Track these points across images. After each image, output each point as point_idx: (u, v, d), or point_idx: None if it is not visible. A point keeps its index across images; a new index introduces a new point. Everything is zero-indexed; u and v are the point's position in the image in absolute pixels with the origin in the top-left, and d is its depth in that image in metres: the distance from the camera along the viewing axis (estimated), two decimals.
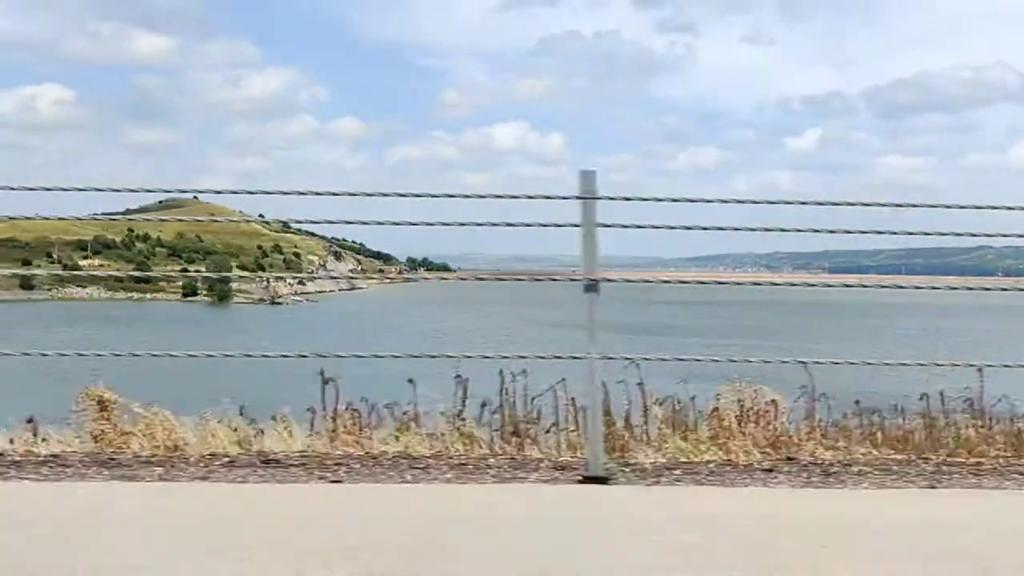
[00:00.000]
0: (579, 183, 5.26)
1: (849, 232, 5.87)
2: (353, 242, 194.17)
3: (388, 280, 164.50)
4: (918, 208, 6.18)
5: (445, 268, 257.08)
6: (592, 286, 5.26)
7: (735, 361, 6.30)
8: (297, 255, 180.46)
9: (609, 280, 5.80)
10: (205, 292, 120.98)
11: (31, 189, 5.73)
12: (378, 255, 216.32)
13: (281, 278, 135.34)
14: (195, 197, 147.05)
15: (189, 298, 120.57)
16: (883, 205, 5.95)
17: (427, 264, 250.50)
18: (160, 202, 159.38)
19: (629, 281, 6.89)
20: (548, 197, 5.77)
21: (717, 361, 6.32)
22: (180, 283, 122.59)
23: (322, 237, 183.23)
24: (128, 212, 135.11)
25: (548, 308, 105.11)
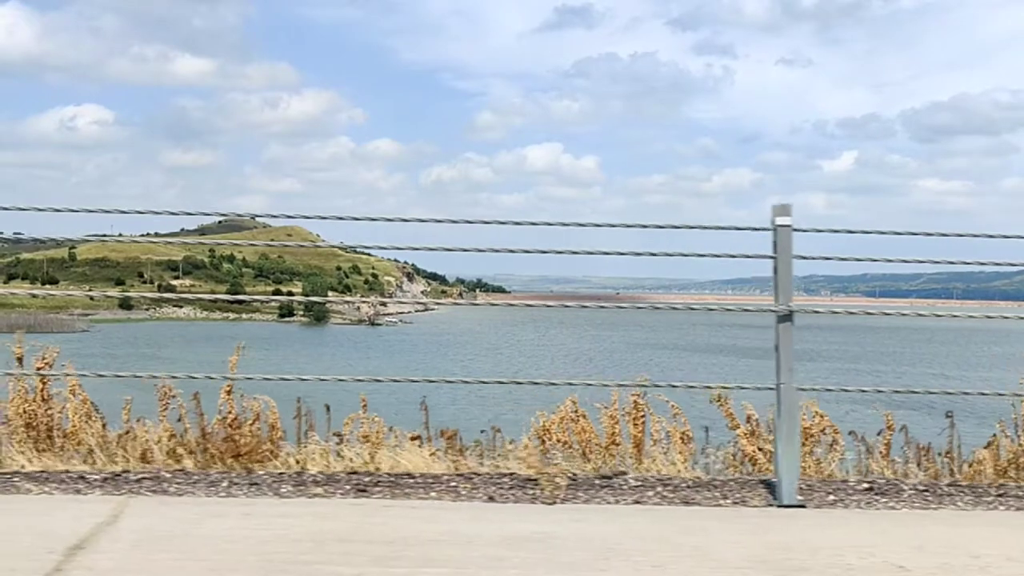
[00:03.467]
0: (772, 213, 5.19)
1: (886, 260, 5.73)
2: (405, 263, 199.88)
3: (467, 303, 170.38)
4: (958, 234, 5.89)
5: (500, 290, 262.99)
6: (786, 316, 5.20)
7: (951, 393, 6.46)
8: (375, 276, 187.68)
9: (811, 311, 5.99)
10: (302, 313, 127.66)
11: (124, 212, 5.72)
12: (434, 276, 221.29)
13: (384, 302, 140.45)
14: (253, 218, 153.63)
15: (285, 319, 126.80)
16: (926, 235, 5.66)
17: (482, 286, 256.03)
18: (220, 223, 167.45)
19: (833, 312, 6.94)
20: (739, 228, 5.67)
21: (933, 393, 6.35)
22: (276, 303, 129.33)
23: (395, 259, 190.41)
24: (184, 232, 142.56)
25: (646, 331, 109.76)
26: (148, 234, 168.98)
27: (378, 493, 5.27)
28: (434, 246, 5.80)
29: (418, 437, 5.94)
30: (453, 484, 5.42)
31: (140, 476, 5.44)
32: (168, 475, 5.49)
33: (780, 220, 5.24)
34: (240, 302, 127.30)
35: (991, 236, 5.85)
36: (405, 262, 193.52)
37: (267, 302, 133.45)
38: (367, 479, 5.49)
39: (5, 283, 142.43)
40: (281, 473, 5.57)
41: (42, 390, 5.93)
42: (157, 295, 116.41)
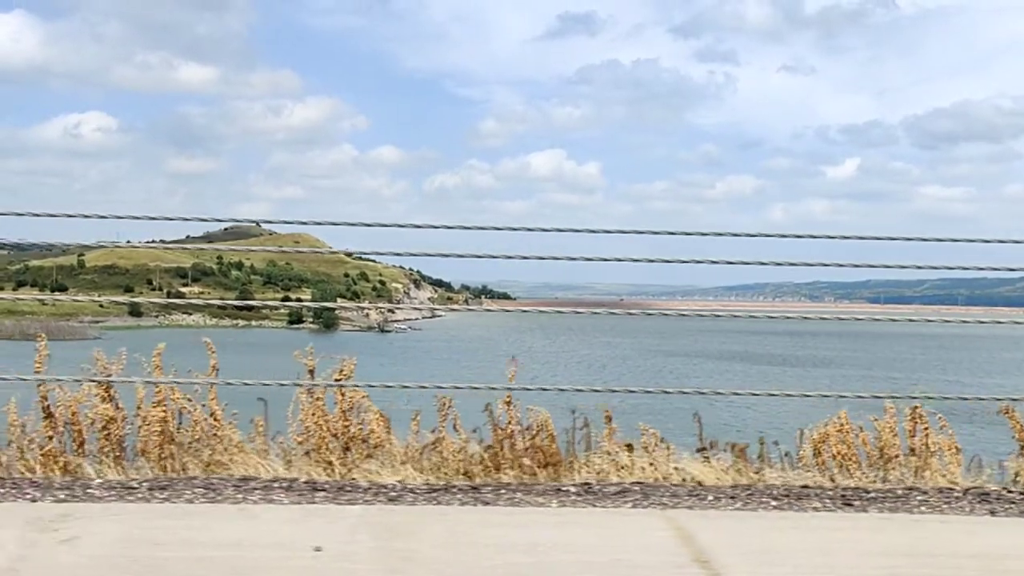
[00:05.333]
0: None
1: (900, 267, 5.70)
2: (411, 270, 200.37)
3: (469, 309, 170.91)
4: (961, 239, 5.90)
5: (506, 296, 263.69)
6: None
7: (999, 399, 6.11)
8: (383, 283, 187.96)
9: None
10: (311, 319, 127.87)
11: (136, 218, 5.53)
12: (439, 283, 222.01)
13: (400, 308, 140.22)
14: (257, 224, 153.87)
15: (295, 325, 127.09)
16: (932, 240, 5.68)
17: (488, 292, 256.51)
18: (225, 230, 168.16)
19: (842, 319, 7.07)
20: (743, 235, 5.65)
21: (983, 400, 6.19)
22: (285, 310, 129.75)
23: (400, 266, 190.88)
24: (189, 239, 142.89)
25: (655, 337, 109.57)
26: (154, 241, 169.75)
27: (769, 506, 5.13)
28: (442, 252, 5.77)
29: (704, 448, 5.91)
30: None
31: (494, 488, 5.37)
32: (511, 486, 5.40)
33: None
34: (251, 308, 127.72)
35: (994, 242, 5.85)
36: (411, 269, 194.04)
37: (277, 308, 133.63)
38: (681, 490, 5.39)
39: (14, 290, 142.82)
40: (588, 484, 5.48)
41: (341, 401, 5.92)
42: (167, 301, 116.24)
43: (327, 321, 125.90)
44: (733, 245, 5.76)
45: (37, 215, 5.38)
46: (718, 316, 6.66)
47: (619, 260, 5.62)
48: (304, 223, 6.70)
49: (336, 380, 5.98)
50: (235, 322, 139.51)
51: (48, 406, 5.82)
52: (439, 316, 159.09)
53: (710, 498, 5.28)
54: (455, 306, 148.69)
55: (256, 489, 5.28)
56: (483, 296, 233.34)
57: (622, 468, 5.68)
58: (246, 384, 5.75)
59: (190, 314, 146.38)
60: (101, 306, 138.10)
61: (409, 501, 5.16)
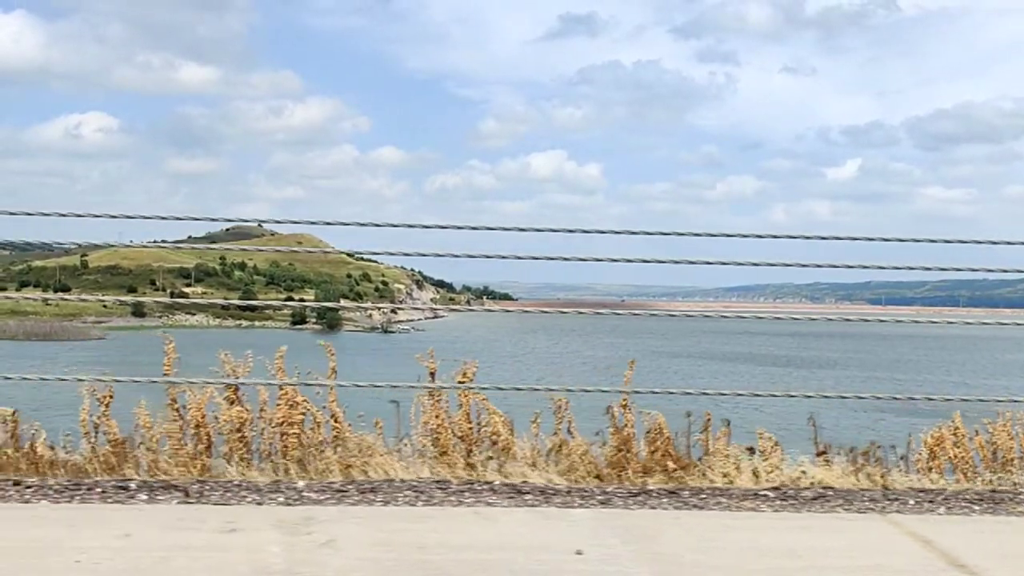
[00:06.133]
0: None
1: (899, 268, 5.74)
2: (413, 270, 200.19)
3: (470, 309, 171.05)
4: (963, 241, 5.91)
5: (507, 297, 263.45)
6: None
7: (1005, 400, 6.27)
8: (385, 283, 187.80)
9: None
10: (314, 320, 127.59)
11: (130, 217, 5.47)
12: (441, 284, 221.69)
13: (402, 308, 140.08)
14: (260, 224, 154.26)
15: (298, 326, 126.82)
16: (933, 241, 5.70)
17: (490, 293, 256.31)
18: (227, 230, 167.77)
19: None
20: (743, 236, 5.61)
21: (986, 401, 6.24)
22: (288, 311, 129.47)
23: (402, 266, 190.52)
24: (191, 239, 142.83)
25: (658, 339, 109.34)
26: (156, 242, 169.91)
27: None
28: (445, 252, 5.74)
29: (824, 452, 5.91)
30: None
31: (669, 492, 5.38)
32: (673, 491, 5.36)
33: None
34: (255, 308, 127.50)
35: (995, 243, 5.86)
36: (413, 269, 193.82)
37: (280, 308, 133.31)
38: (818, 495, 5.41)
39: (17, 290, 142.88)
40: (779, 488, 5.49)
41: (465, 403, 5.97)
42: (173, 301, 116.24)
43: (331, 322, 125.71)
44: (734, 246, 5.76)
45: (46, 215, 5.34)
46: (724, 317, 6.60)
47: (620, 260, 5.61)
48: (312, 223, 6.62)
49: (459, 383, 6.03)
50: (238, 323, 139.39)
51: (178, 408, 5.85)
52: (441, 317, 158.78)
53: (911, 502, 5.32)
54: (456, 306, 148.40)
55: (419, 491, 5.34)
56: (485, 297, 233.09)
57: (751, 472, 5.72)
58: (375, 387, 5.72)
59: (193, 314, 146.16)
60: (105, 306, 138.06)
61: (591, 503, 5.20)
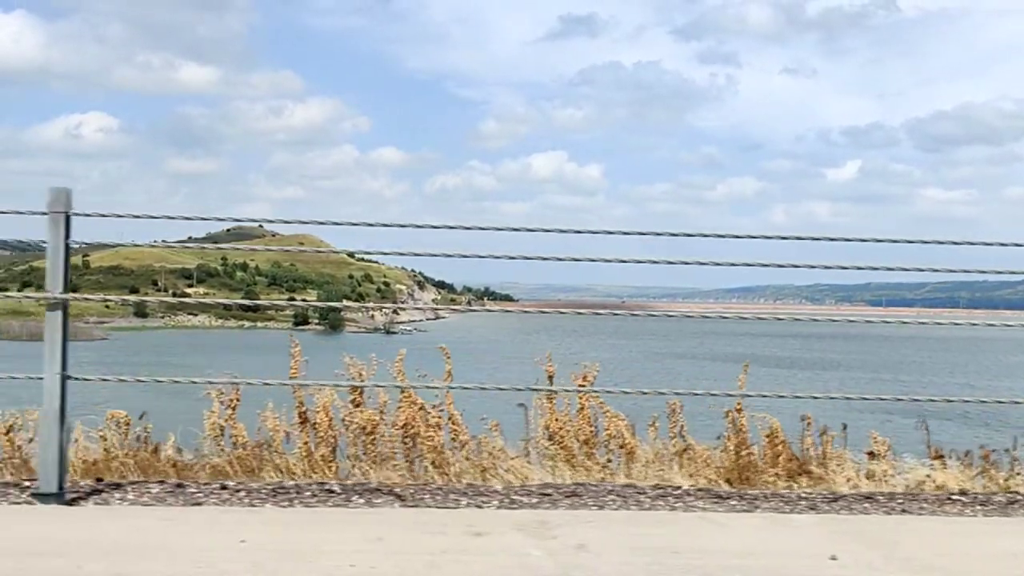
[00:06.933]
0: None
1: (900, 269, 5.77)
2: (414, 271, 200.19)
3: (470, 310, 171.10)
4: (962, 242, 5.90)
5: (508, 298, 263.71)
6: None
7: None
8: (387, 284, 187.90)
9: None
10: (317, 321, 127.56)
11: (153, 217, 5.50)
12: (442, 284, 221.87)
13: (404, 308, 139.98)
14: (261, 225, 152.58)
15: (300, 327, 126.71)
16: (933, 243, 5.72)
17: (491, 294, 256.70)
18: (228, 231, 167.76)
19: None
20: (742, 237, 5.63)
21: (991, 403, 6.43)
22: (290, 311, 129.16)
23: (403, 267, 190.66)
24: (192, 239, 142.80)
25: (660, 340, 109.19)
26: (157, 242, 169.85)
27: None
28: (445, 252, 5.70)
29: (940, 456, 5.93)
30: None
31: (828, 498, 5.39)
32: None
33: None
34: (257, 308, 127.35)
35: (995, 244, 5.85)
36: (414, 270, 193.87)
37: (284, 308, 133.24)
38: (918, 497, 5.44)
39: (19, 290, 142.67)
40: (906, 493, 5.50)
41: (584, 407, 5.97)
42: (176, 300, 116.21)
43: (333, 322, 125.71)
44: (734, 247, 5.75)
45: (51, 213, 5.26)
46: (724, 318, 6.48)
47: (620, 261, 5.62)
48: (313, 223, 6.46)
49: (580, 386, 6.01)
50: (240, 323, 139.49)
51: (304, 411, 5.85)
52: (443, 318, 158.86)
53: None
54: (457, 307, 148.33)
55: (623, 496, 5.33)
56: (485, 298, 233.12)
57: (872, 477, 5.74)
58: (499, 389, 5.67)
59: (195, 315, 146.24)
60: (107, 307, 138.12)
61: (764, 507, 5.20)
